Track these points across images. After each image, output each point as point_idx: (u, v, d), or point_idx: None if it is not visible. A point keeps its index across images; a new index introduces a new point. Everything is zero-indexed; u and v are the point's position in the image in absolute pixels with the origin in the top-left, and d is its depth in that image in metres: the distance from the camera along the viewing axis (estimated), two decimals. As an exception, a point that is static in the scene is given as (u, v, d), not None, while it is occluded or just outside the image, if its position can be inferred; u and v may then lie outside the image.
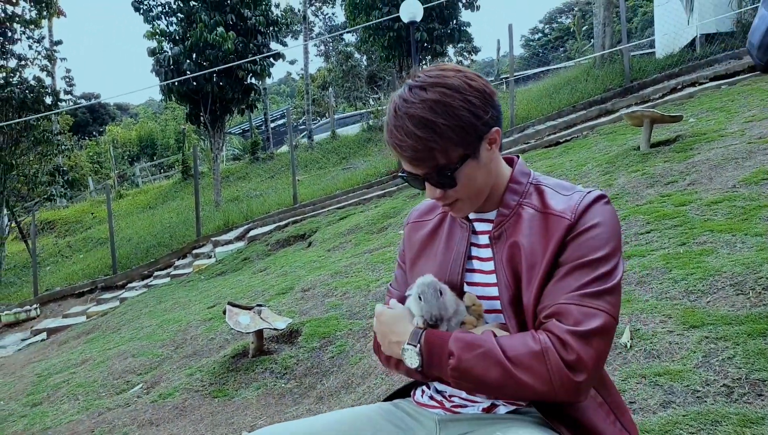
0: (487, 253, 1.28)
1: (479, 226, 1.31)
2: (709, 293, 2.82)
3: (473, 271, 1.29)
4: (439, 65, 1.22)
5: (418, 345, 1.17)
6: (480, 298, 1.25)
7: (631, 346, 2.57)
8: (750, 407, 1.97)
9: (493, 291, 1.24)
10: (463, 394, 1.27)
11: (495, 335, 1.13)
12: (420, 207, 1.47)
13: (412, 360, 1.18)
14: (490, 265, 1.26)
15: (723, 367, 2.21)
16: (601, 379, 1.24)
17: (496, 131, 1.22)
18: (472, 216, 1.32)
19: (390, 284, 1.50)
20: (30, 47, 16.88)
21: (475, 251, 1.30)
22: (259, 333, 4.16)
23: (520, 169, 1.30)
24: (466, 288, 1.29)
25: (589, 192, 1.21)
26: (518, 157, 1.33)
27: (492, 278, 1.25)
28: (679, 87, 9.40)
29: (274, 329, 4.21)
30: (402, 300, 1.35)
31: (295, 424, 1.34)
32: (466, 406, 1.27)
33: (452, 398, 1.29)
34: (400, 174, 1.28)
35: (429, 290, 1.19)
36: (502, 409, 1.23)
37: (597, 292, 1.10)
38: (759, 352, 2.21)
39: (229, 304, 4.23)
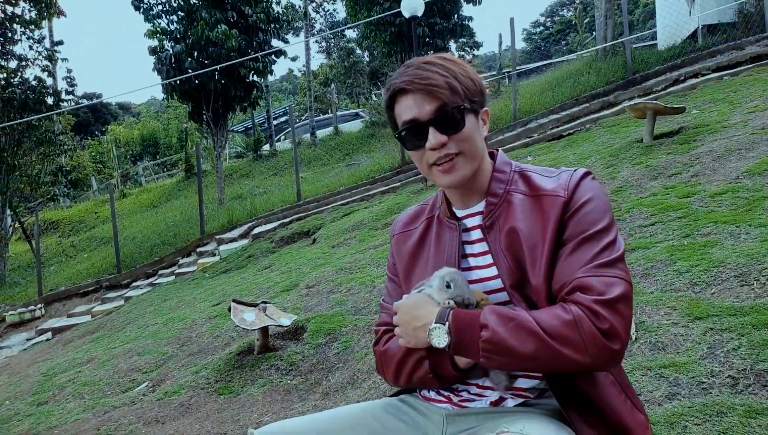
0: (480, 247, 1.28)
1: (469, 222, 1.31)
2: (714, 285, 2.81)
3: (469, 268, 1.29)
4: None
5: (447, 323, 1.15)
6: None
7: (636, 338, 2.57)
8: (755, 398, 1.97)
9: (495, 284, 1.24)
10: (472, 389, 1.27)
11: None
12: (403, 217, 1.47)
13: (440, 339, 1.16)
14: (486, 259, 1.26)
15: (728, 358, 2.21)
16: None
17: (486, 112, 1.30)
18: (460, 213, 1.32)
19: (383, 299, 1.47)
20: (30, 48, 16.86)
21: (467, 249, 1.30)
22: (264, 330, 4.17)
23: (502, 159, 1.33)
24: None
25: (575, 170, 1.25)
26: (497, 149, 1.36)
27: (491, 271, 1.25)
28: (682, 78, 9.36)
29: (279, 326, 4.22)
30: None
31: (301, 421, 1.34)
32: (473, 401, 1.26)
33: (460, 393, 1.28)
34: (401, 130, 1.27)
35: (458, 277, 1.19)
36: (510, 402, 1.23)
37: (610, 262, 1.13)
38: (764, 343, 2.20)
39: (234, 301, 4.24)
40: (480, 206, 1.30)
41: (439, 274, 1.22)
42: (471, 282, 1.27)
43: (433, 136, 1.22)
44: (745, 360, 2.16)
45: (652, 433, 1.23)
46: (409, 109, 1.24)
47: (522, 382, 1.23)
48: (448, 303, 1.18)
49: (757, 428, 1.81)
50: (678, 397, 2.09)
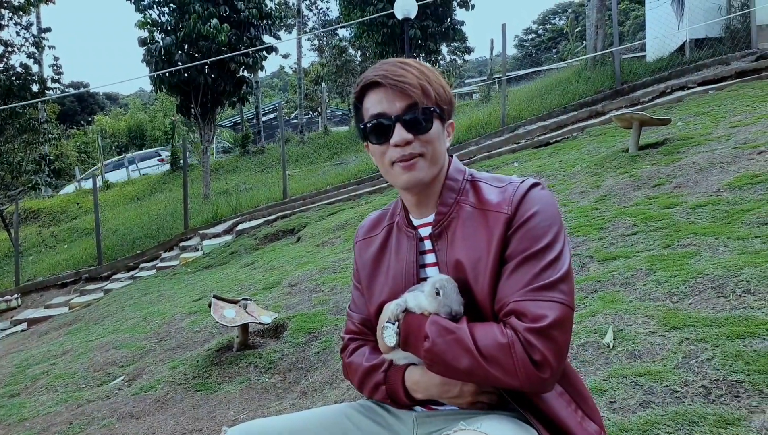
0: (432, 257, 1.29)
1: (423, 232, 1.32)
2: (692, 295, 2.84)
3: (426, 279, 1.29)
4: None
5: (397, 323, 1.21)
6: None
7: (613, 347, 2.58)
8: (726, 408, 1.99)
9: None
10: None
11: (468, 321, 1.15)
12: (365, 224, 1.48)
13: (390, 338, 1.22)
14: (436, 270, 1.28)
15: (702, 368, 2.23)
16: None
17: (452, 125, 1.31)
18: (416, 222, 1.33)
19: (349, 307, 1.49)
20: (17, 33, 16.70)
21: (426, 259, 1.31)
22: (244, 327, 4.14)
23: (455, 166, 1.32)
24: None
25: (523, 181, 1.24)
26: (452, 156, 1.34)
27: None
28: (668, 91, 9.47)
29: (260, 323, 4.19)
30: (363, 322, 1.41)
31: (275, 420, 1.34)
32: (443, 404, 1.28)
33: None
34: (367, 122, 1.26)
35: (449, 285, 1.18)
36: (479, 405, 1.24)
37: (549, 284, 1.12)
38: (737, 354, 2.23)
39: (215, 297, 4.21)
40: (432, 217, 1.30)
41: (431, 280, 1.22)
42: None
43: (399, 134, 1.22)
44: (719, 370, 2.18)
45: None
46: (378, 103, 1.24)
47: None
48: (440, 312, 1.18)
49: (727, 438, 1.83)
50: (652, 405, 2.11)
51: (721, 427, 1.89)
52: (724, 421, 1.91)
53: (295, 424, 1.31)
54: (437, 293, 1.18)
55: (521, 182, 1.23)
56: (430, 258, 1.30)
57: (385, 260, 1.37)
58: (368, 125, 1.26)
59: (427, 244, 1.31)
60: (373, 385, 1.33)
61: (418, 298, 1.22)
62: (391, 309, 1.25)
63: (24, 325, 9.01)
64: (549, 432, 1.15)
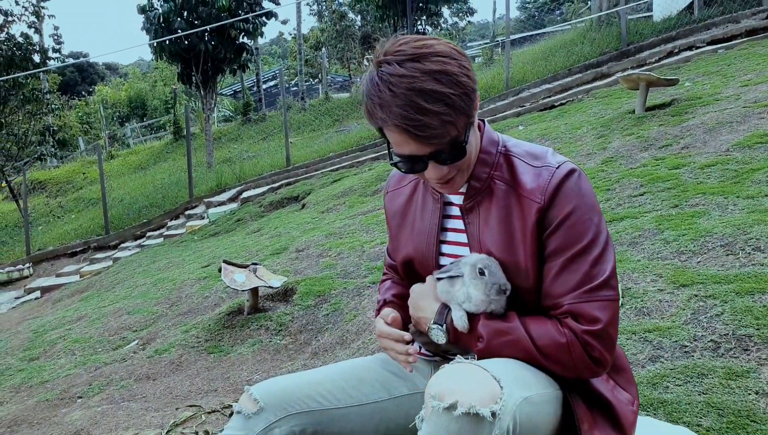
0: (459, 224, 1.29)
1: (451, 197, 1.31)
2: (700, 254, 2.86)
3: (447, 242, 1.31)
4: (404, 37, 1.14)
5: (445, 325, 1.22)
6: None
7: (622, 304, 2.62)
8: (736, 361, 2.03)
9: None
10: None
11: (519, 318, 1.17)
12: (394, 174, 1.47)
13: (439, 337, 1.23)
14: (462, 237, 1.28)
15: (711, 323, 2.27)
16: None
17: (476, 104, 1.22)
18: None
19: (387, 247, 1.55)
20: (17, 2, 16.43)
21: (448, 223, 1.31)
22: (254, 291, 4.20)
23: (489, 136, 1.26)
24: (441, 260, 1.32)
25: (558, 166, 1.17)
26: (485, 122, 1.28)
27: (464, 251, 1.27)
28: (676, 51, 9.33)
29: (270, 287, 4.24)
30: (391, 266, 1.49)
31: (295, 376, 1.37)
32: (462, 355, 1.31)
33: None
34: (394, 162, 1.18)
35: (491, 263, 1.18)
36: None
37: (600, 284, 1.13)
38: (746, 310, 2.26)
39: (225, 262, 4.25)
40: (464, 187, 1.27)
41: (468, 261, 1.20)
42: (447, 256, 1.30)
43: (434, 171, 1.16)
44: (728, 325, 2.21)
45: (639, 405, 1.26)
46: (403, 144, 1.13)
47: None
48: (489, 292, 1.17)
49: (736, 389, 1.87)
50: (661, 359, 2.15)
51: (731, 379, 1.92)
52: (733, 373, 1.95)
53: (315, 377, 1.35)
54: (481, 273, 1.17)
55: (557, 167, 1.17)
56: (453, 223, 1.30)
57: (410, 215, 1.38)
58: (397, 161, 1.18)
59: (454, 210, 1.30)
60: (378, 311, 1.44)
61: (455, 288, 1.21)
62: (428, 303, 1.26)
63: (37, 293, 9.15)
64: (580, 393, 1.18)
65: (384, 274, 1.57)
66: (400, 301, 1.40)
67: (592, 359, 1.11)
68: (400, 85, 1.06)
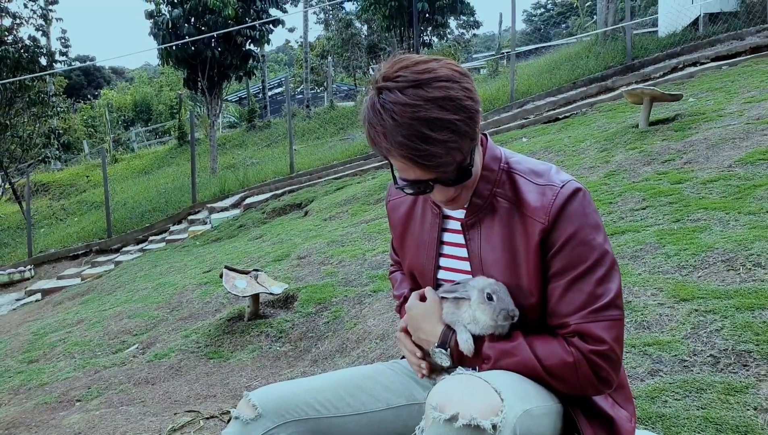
0: (458, 238, 1.29)
1: (453, 212, 1.30)
2: (701, 268, 2.87)
3: (445, 255, 1.32)
4: (403, 58, 1.10)
5: (449, 348, 1.23)
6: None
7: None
8: (735, 376, 2.02)
9: (465, 278, 1.28)
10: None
11: (524, 337, 1.17)
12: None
13: (442, 360, 1.24)
14: (462, 252, 1.28)
15: (710, 338, 2.27)
16: None
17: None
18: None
19: (391, 243, 1.56)
20: (25, 5, 16.57)
21: (447, 237, 1.32)
22: (255, 297, 4.20)
23: (491, 152, 1.24)
24: (439, 274, 1.33)
25: (563, 186, 1.16)
26: (487, 136, 1.27)
27: (464, 265, 1.28)
28: (681, 66, 9.36)
29: (270, 294, 4.25)
30: (396, 262, 1.51)
31: (294, 382, 1.37)
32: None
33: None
34: (399, 186, 1.18)
35: (499, 288, 1.17)
36: None
37: (606, 304, 1.13)
38: (746, 325, 2.26)
39: (226, 267, 4.26)
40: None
41: (476, 284, 1.20)
42: (445, 269, 1.31)
43: (440, 194, 1.17)
44: (727, 341, 2.21)
45: (636, 421, 1.27)
46: (408, 171, 1.13)
47: None
48: (497, 318, 1.17)
49: (735, 405, 1.86)
50: (660, 373, 2.15)
51: (729, 394, 1.92)
52: (732, 388, 1.95)
53: (314, 384, 1.35)
54: (489, 298, 1.16)
55: (561, 187, 1.16)
56: (451, 237, 1.30)
57: (412, 226, 1.40)
58: (403, 185, 1.17)
59: (453, 224, 1.30)
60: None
61: (462, 310, 1.21)
62: (431, 325, 1.26)
63: (38, 296, 9.16)
64: (581, 408, 1.19)
65: (391, 265, 1.62)
66: None
67: (599, 379, 1.12)
68: (404, 115, 1.04)
